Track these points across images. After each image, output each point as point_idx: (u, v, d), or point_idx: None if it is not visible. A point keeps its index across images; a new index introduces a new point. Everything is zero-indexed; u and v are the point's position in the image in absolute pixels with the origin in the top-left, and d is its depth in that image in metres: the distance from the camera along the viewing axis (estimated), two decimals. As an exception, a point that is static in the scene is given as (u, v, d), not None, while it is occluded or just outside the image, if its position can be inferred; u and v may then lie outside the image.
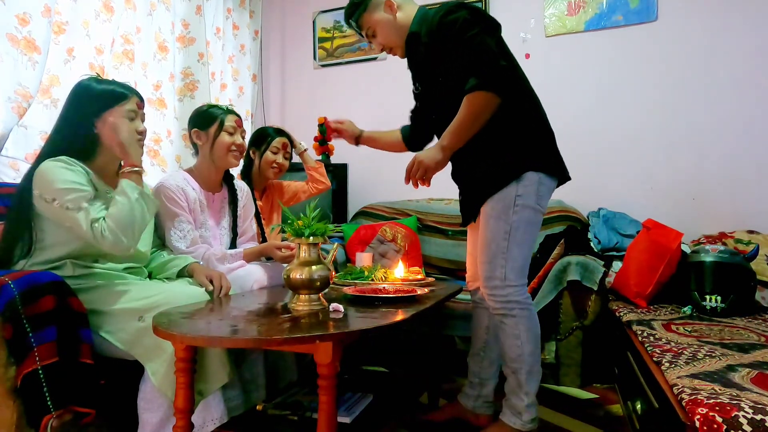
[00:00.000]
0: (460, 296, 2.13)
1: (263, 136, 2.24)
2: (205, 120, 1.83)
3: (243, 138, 1.89)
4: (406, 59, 1.78)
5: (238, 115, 1.89)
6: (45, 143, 1.52)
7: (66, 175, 1.39)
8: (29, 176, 1.44)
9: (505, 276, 1.57)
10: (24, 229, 1.45)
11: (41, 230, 1.45)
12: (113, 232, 1.36)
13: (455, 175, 1.78)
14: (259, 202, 2.23)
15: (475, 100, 1.50)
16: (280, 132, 2.29)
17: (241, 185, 2.00)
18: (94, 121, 1.48)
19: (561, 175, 1.68)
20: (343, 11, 1.78)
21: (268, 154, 2.22)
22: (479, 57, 1.49)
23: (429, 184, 1.61)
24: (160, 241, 1.75)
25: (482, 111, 1.51)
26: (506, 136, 1.58)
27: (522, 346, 1.58)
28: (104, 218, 1.38)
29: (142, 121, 1.56)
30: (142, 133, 1.54)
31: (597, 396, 2.10)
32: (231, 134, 1.83)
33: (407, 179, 1.61)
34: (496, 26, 1.59)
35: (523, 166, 1.57)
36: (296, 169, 2.76)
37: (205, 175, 1.86)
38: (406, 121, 1.97)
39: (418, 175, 1.57)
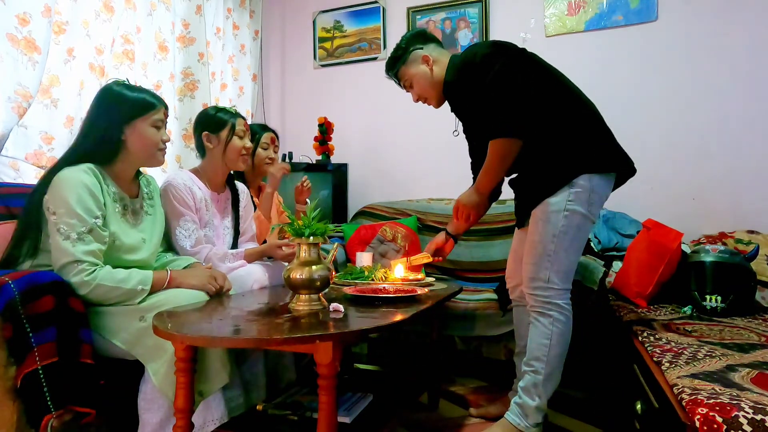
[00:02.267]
0: (460, 296, 2.13)
1: (251, 134, 2.24)
2: (216, 124, 1.85)
3: (250, 140, 1.94)
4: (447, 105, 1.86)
5: (244, 119, 1.93)
6: (71, 146, 1.53)
7: (79, 196, 1.38)
8: (47, 179, 1.43)
9: (549, 278, 1.59)
10: (32, 230, 1.45)
11: (47, 234, 1.44)
12: (91, 285, 1.35)
13: (511, 182, 1.82)
14: (256, 200, 2.24)
15: (496, 147, 1.61)
16: (265, 127, 2.31)
17: (241, 186, 2.03)
18: (124, 127, 1.49)
19: (620, 168, 1.67)
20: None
21: (260, 151, 2.24)
22: (497, 103, 1.56)
23: (475, 219, 1.83)
24: (165, 243, 1.75)
25: (504, 155, 1.61)
26: (554, 145, 1.61)
27: (549, 347, 1.58)
28: (102, 266, 1.39)
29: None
30: (167, 143, 1.59)
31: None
32: (241, 138, 1.88)
33: (456, 220, 1.82)
34: (516, 54, 1.63)
35: (574, 170, 1.59)
36: (295, 169, 2.76)
37: (212, 176, 1.89)
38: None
39: (463, 217, 1.79)
